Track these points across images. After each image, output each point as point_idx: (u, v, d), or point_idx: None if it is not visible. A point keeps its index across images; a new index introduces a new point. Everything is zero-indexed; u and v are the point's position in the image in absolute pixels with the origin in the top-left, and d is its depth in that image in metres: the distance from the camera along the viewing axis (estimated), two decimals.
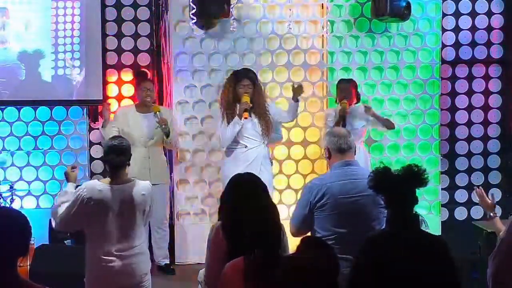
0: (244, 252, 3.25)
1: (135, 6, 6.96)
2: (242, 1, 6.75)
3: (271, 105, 6.20)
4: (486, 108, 7.34)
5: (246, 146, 5.96)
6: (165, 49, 6.86)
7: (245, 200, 3.65)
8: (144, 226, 4.32)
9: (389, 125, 6.40)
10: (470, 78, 7.32)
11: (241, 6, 6.77)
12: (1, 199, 6.34)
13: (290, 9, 6.84)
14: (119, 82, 6.97)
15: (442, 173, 7.13)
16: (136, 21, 6.97)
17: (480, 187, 4.27)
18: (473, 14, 7.27)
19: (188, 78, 6.78)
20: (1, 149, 6.86)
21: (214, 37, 6.76)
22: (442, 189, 7.11)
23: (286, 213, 6.44)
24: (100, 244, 4.09)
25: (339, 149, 4.18)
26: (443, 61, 7.14)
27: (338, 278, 2.86)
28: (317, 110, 6.91)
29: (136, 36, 6.97)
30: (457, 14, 7.26)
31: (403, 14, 6.59)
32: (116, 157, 4.11)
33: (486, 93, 7.34)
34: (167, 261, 6.42)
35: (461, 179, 7.29)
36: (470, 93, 7.32)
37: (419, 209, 3.37)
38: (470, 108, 7.33)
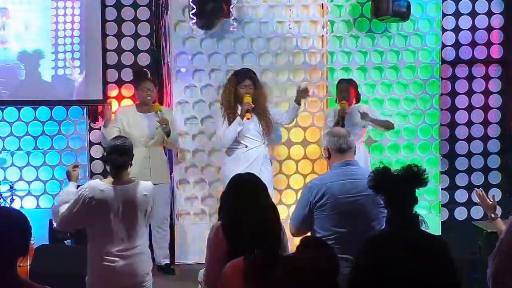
0: (244, 252, 3.25)
1: (135, 6, 6.96)
2: (242, 1, 6.76)
3: (269, 106, 6.21)
4: (486, 108, 7.33)
5: (246, 146, 5.96)
6: (165, 49, 6.86)
7: (245, 200, 3.65)
8: (145, 226, 4.32)
9: (388, 125, 6.39)
10: (470, 78, 7.32)
11: (241, 6, 6.77)
12: (1, 199, 6.34)
13: (290, 9, 6.84)
14: (119, 82, 6.98)
15: (442, 173, 7.12)
16: (136, 21, 6.97)
17: (480, 189, 4.26)
18: (473, 14, 7.26)
19: (188, 78, 6.78)
20: (1, 149, 6.86)
21: (214, 37, 6.77)
22: (442, 189, 7.11)
23: (286, 213, 6.44)
24: (102, 243, 4.09)
25: (338, 149, 4.18)
26: (443, 61, 7.14)
27: (338, 278, 2.86)
28: (317, 110, 6.91)
29: (136, 36, 6.97)
30: (457, 14, 7.25)
31: (404, 14, 6.60)
32: (119, 157, 4.11)
33: (486, 93, 7.33)
34: (167, 261, 6.42)
35: (461, 179, 7.29)
36: (470, 93, 7.32)
37: (419, 209, 3.37)
38: (470, 108, 7.33)
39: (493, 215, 4.06)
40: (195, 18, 6.50)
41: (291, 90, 6.79)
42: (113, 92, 6.95)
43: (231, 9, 6.56)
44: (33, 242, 5.60)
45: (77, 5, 6.79)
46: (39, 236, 5.86)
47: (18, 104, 6.87)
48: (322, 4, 6.91)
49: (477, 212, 7.13)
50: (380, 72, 7.00)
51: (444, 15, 7.13)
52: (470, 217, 7.12)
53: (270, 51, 6.83)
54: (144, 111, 6.29)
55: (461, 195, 7.27)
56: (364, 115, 6.17)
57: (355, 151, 4.28)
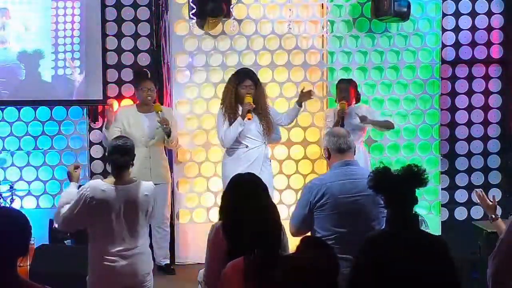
0: (244, 252, 3.25)
1: (135, 6, 6.97)
2: (242, 1, 6.76)
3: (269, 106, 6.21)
4: (486, 108, 7.34)
5: (247, 146, 5.95)
6: (165, 49, 6.86)
7: (245, 200, 3.65)
8: (146, 226, 4.32)
9: (388, 126, 6.39)
10: (470, 78, 7.33)
11: (241, 6, 6.77)
12: (1, 199, 6.35)
13: (290, 9, 6.84)
14: (119, 82, 6.98)
15: (442, 173, 7.13)
16: (136, 21, 6.97)
17: (480, 189, 4.26)
18: (473, 14, 7.27)
19: (188, 77, 6.78)
20: (1, 149, 6.86)
21: (214, 37, 6.77)
22: (442, 189, 7.11)
23: (286, 213, 6.44)
24: (103, 243, 4.09)
25: (338, 149, 4.18)
26: (443, 61, 7.14)
27: (338, 278, 2.86)
28: (317, 110, 6.91)
29: (136, 36, 6.98)
30: (457, 14, 7.26)
31: (404, 14, 6.60)
32: (120, 157, 4.11)
33: (486, 93, 7.34)
34: (168, 261, 6.42)
35: (461, 179, 7.29)
36: (470, 93, 7.32)
37: (419, 209, 3.38)
38: (470, 108, 7.33)
39: (493, 216, 4.06)
40: (195, 18, 6.50)
41: (291, 90, 6.80)
42: (113, 92, 6.95)
43: (231, 9, 6.56)
44: (33, 242, 5.60)
45: (77, 5, 6.79)
46: (39, 236, 5.86)
47: (18, 104, 6.88)
48: (322, 4, 6.91)
49: (477, 212, 7.13)
50: (380, 72, 7.00)
51: (444, 15, 7.13)
52: (470, 217, 7.13)
53: (269, 51, 6.83)
54: (145, 111, 6.29)
55: (461, 195, 7.27)
56: (363, 119, 6.13)
57: (355, 151, 4.28)
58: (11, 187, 6.49)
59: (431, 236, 3.39)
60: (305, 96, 6.18)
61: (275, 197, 6.35)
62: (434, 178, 6.91)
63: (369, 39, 6.97)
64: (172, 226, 6.61)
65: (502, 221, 4.02)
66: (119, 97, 6.98)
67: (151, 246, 4.44)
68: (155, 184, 4.39)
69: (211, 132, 6.69)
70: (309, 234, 4.10)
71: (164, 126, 6.09)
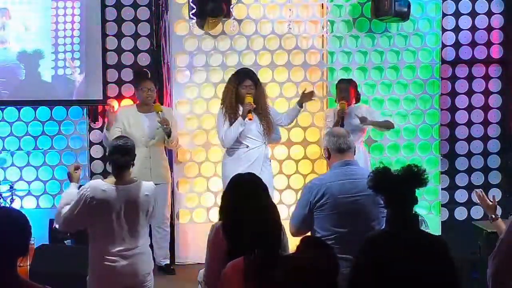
0: (244, 252, 3.24)
1: (135, 6, 6.97)
2: (242, 1, 6.76)
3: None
4: (486, 108, 7.34)
5: (248, 146, 5.95)
6: (165, 49, 6.86)
7: (245, 200, 3.65)
8: (146, 226, 4.32)
9: (388, 126, 6.39)
10: (470, 78, 7.33)
11: (241, 6, 6.77)
12: (1, 199, 6.35)
13: (290, 9, 6.84)
14: (119, 82, 6.98)
15: (442, 173, 7.13)
16: (136, 21, 6.97)
17: (480, 189, 4.26)
18: (473, 14, 7.27)
19: (188, 77, 6.78)
20: (1, 149, 6.87)
21: (214, 37, 6.77)
22: (442, 189, 7.11)
23: (286, 213, 6.44)
24: (103, 243, 4.09)
25: (338, 149, 4.18)
26: (443, 61, 7.14)
27: (338, 278, 2.86)
28: (317, 110, 6.91)
29: (136, 36, 6.98)
30: (457, 14, 7.26)
31: (404, 14, 6.60)
32: (121, 157, 4.11)
33: (486, 93, 7.34)
34: (168, 261, 6.42)
35: (461, 179, 7.29)
36: (470, 93, 7.33)
37: (419, 209, 3.37)
38: (470, 108, 7.33)
39: (493, 216, 4.06)
40: (195, 18, 6.50)
41: (291, 90, 6.80)
42: (113, 92, 6.95)
43: (231, 9, 6.57)
44: (33, 242, 5.60)
45: (77, 5, 6.79)
46: (39, 236, 5.86)
47: (18, 104, 6.88)
48: (322, 4, 6.91)
49: (477, 212, 7.13)
50: (380, 72, 7.00)
51: (444, 15, 7.13)
52: (470, 217, 7.13)
53: (269, 51, 6.83)
54: (145, 111, 6.29)
55: (461, 195, 7.27)
56: (362, 120, 6.14)
57: (354, 151, 4.28)
58: (11, 187, 6.50)
59: (431, 236, 3.39)
60: (306, 97, 6.19)
61: (275, 197, 6.35)
62: (434, 178, 6.91)
63: (369, 39, 6.97)
64: (172, 226, 6.61)
65: (502, 221, 4.01)
66: (119, 97, 6.98)
67: (151, 246, 4.44)
68: (155, 184, 4.39)
69: (211, 132, 6.69)
70: (309, 234, 4.11)
71: (164, 126, 6.09)
